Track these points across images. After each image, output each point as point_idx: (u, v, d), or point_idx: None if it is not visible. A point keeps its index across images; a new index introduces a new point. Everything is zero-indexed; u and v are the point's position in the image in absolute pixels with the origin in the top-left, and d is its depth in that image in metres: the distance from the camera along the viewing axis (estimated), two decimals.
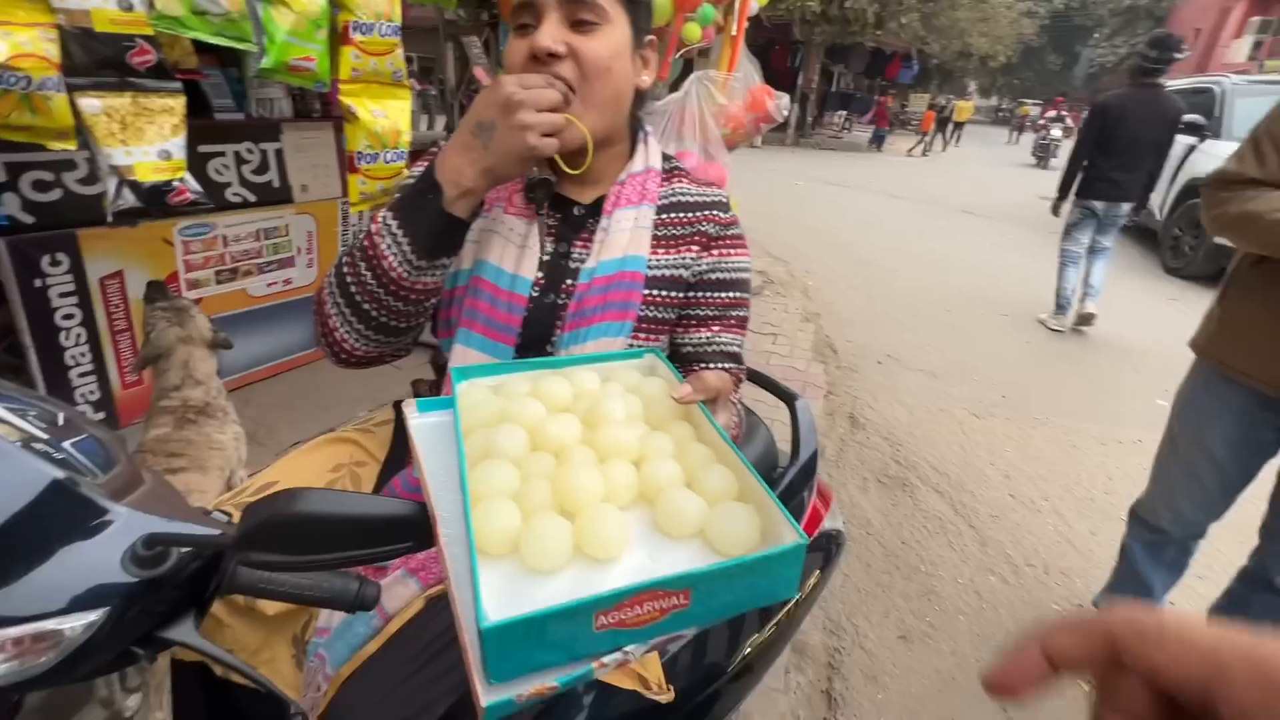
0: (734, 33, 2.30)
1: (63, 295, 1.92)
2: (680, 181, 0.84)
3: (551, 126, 0.63)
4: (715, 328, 0.81)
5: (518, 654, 0.35)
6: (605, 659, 0.37)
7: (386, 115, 1.25)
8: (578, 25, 0.69)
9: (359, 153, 1.24)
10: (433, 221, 0.65)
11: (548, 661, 0.36)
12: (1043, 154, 15.59)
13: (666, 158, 0.86)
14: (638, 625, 0.37)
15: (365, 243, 0.68)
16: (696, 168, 2.29)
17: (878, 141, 17.69)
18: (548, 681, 0.36)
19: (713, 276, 0.81)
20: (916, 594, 1.94)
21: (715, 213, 0.82)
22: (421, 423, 0.55)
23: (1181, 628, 0.21)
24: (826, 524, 1.24)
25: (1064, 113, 17.37)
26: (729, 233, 0.82)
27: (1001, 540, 2.19)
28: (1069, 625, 0.23)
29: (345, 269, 0.70)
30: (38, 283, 1.86)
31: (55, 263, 1.88)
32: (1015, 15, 22.36)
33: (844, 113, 20.04)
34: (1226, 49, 24.55)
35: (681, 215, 0.81)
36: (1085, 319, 4.10)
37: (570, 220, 0.79)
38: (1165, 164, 3.87)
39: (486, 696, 0.34)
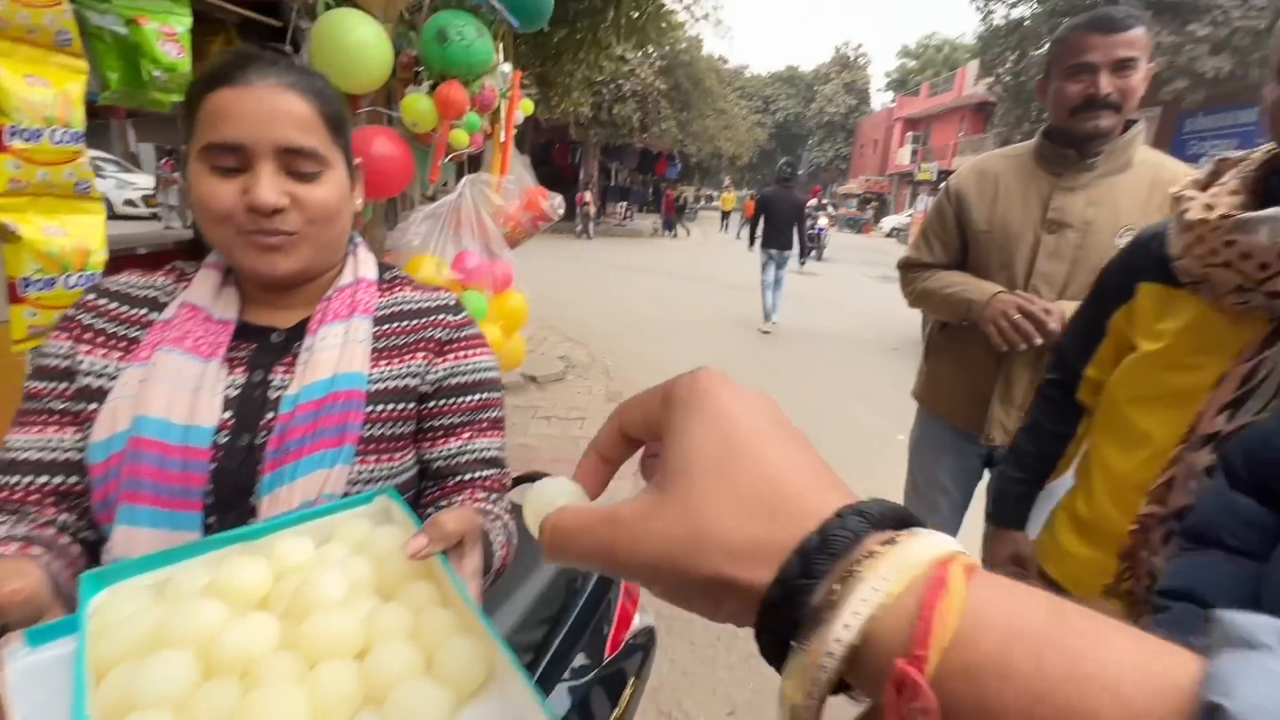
0: (503, 139, 2.38)
1: None
2: (402, 290, 0.80)
3: None
4: (466, 434, 0.77)
5: None
6: None
7: (67, 233, 1.02)
8: (299, 174, 0.65)
9: (25, 279, 0.98)
10: None
11: None
12: (812, 244, 13.86)
13: (385, 267, 0.82)
14: None
15: None
16: (480, 266, 2.28)
17: (669, 228, 19.84)
18: None
19: (452, 382, 0.77)
20: (738, 661, 1.99)
21: (443, 316, 0.78)
22: (30, 664, 0.37)
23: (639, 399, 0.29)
24: (637, 622, 1.22)
25: (825, 200, 16.59)
26: (463, 334, 0.79)
27: None
28: (603, 436, 0.31)
29: None
30: None
31: None
32: (750, 124, 27.11)
33: (624, 204, 21.98)
34: (896, 154, 32.19)
35: (404, 324, 0.76)
36: (769, 322, 6.77)
37: (267, 348, 0.71)
38: (804, 230, 6.98)
39: None
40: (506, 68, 2.43)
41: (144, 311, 0.68)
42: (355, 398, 0.68)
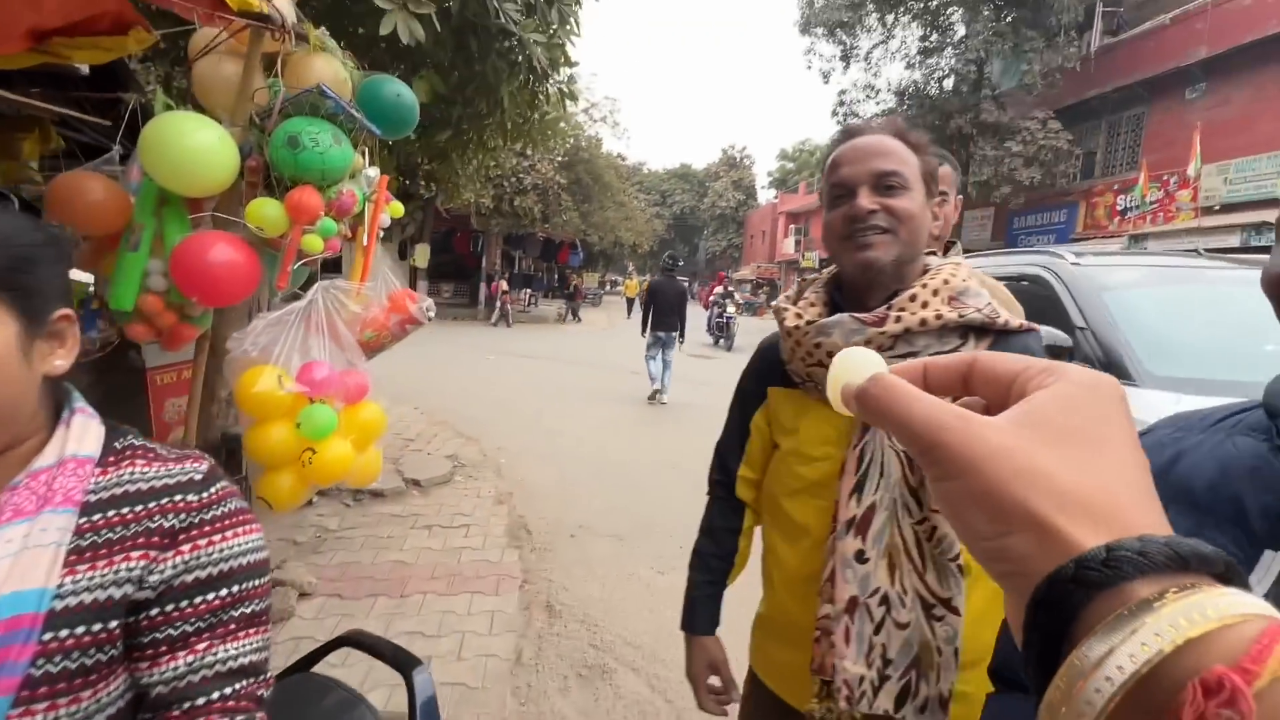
0: (365, 243, 2.29)
1: None
2: (132, 465, 0.65)
3: None
4: (203, 644, 0.62)
5: None
6: None
7: None
8: None
9: None
10: None
11: None
12: (721, 332, 14.51)
13: (119, 433, 0.67)
14: None
15: None
16: (331, 376, 2.11)
17: (575, 314, 20.38)
18: None
19: (188, 579, 0.62)
20: None
21: (181, 497, 0.64)
22: None
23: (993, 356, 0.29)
24: None
25: (731, 288, 16.02)
26: (209, 515, 0.65)
27: (691, 708, 2.22)
28: (940, 363, 0.30)
29: None
30: None
31: None
32: (649, 215, 28.70)
33: (528, 290, 22.15)
34: (782, 244, 35.01)
35: (124, 511, 0.61)
36: (655, 397, 7.44)
37: None
38: (685, 315, 7.59)
39: None
40: (372, 172, 2.38)
41: None
42: (22, 627, 0.52)
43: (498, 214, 16.77)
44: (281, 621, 2.61)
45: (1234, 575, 0.22)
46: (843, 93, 15.84)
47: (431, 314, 2.48)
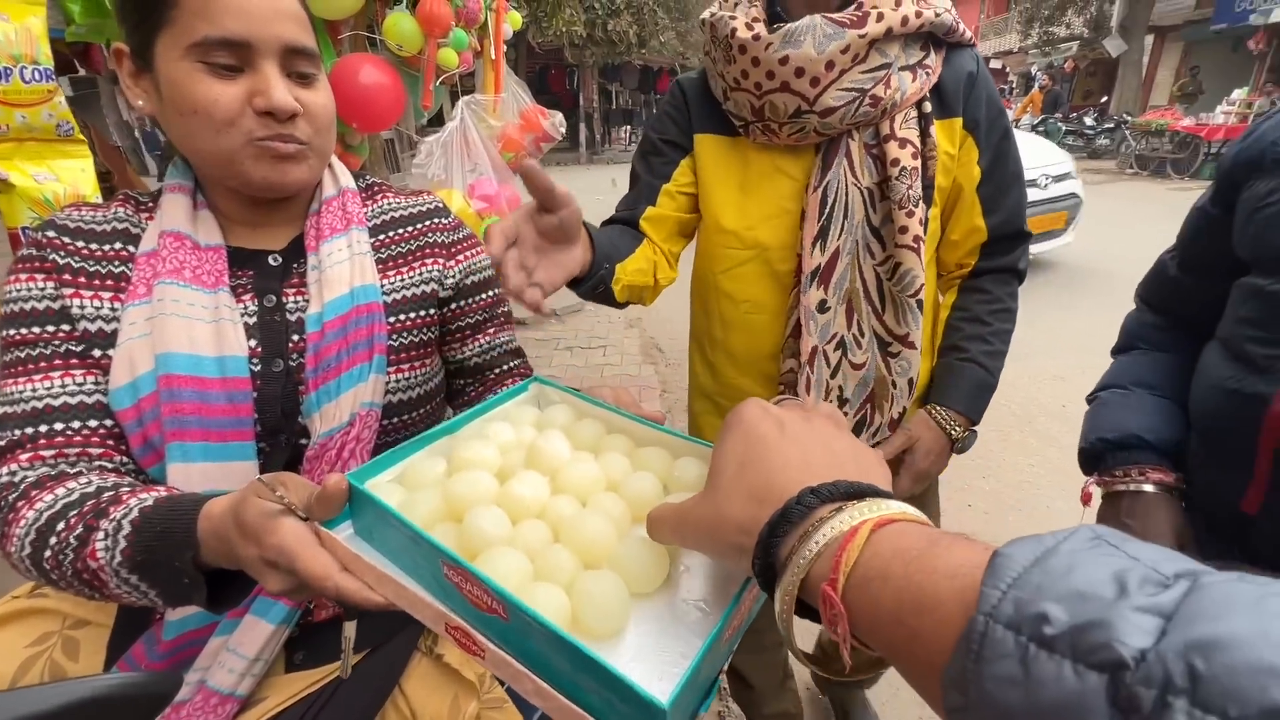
0: (493, 56, 2.26)
1: None
2: (386, 197, 0.76)
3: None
4: (490, 331, 0.79)
5: (686, 711, 0.34)
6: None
7: (58, 179, 0.98)
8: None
9: (25, 229, 0.96)
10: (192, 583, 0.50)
11: (698, 702, 0.36)
12: None
13: (360, 175, 0.78)
14: (740, 624, 0.40)
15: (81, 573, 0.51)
16: (498, 191, 2.21)
17: None
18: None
19: (469, 281, 0.77)
20: None
21: (438, 220, 0.77)
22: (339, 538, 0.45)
23: None
24: None
25: None
26: (463, 235, 0.79)
27: None
28: None
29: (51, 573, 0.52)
30: None
31: None
32: None
33: (628, 127, 21.12)
34: None
35: (402, 231, 0.74)
36: None
37: (267, 271, 0.67)
38: None
39: None
40: None
41: (118, 245, 0.62)
42: (375, 310, 0.67)
43: (591, 42, 15.62)
44: None
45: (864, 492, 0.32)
46: None
47: (563, 129, 2.46)
